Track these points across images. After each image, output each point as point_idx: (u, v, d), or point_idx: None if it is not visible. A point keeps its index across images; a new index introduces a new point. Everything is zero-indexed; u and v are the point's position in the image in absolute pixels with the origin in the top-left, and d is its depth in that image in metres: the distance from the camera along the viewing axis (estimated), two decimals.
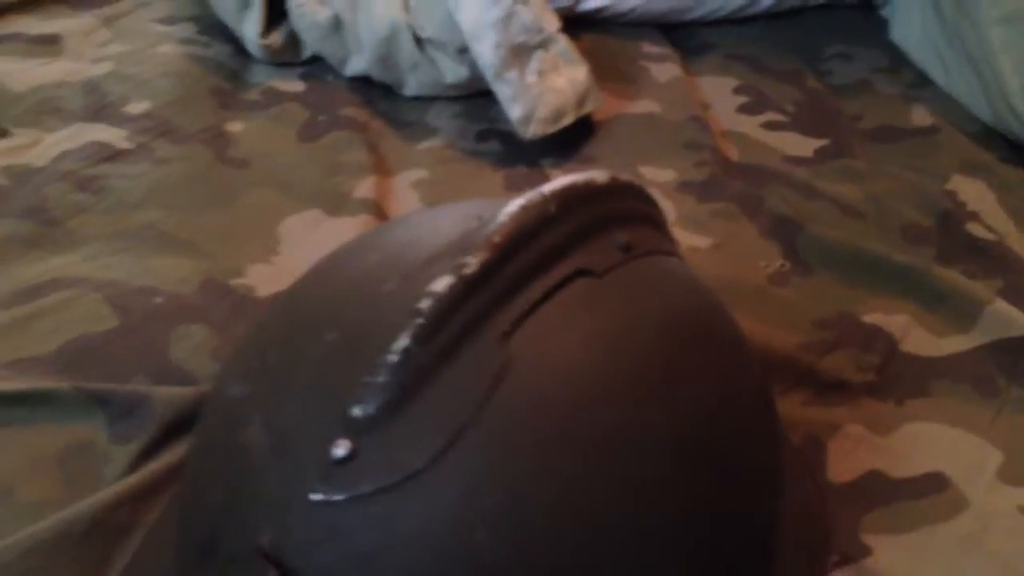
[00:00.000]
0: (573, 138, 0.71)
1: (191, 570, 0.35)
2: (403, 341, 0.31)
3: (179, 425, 0.47)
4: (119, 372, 0.49)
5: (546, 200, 0.34)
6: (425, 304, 0.31)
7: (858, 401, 0.52)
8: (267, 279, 0.57)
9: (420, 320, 0.31)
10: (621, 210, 0.37)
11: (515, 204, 0.34)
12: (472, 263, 0.32)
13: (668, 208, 0.63)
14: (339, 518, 0.31)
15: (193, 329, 0.52)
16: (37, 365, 0.50)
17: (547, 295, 0.33)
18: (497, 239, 0.33)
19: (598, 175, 0.37)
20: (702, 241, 0.63)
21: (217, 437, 0.36)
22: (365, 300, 0.34)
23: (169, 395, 0.48)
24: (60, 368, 0.49)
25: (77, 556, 0.41)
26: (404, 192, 0.65)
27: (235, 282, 0.56)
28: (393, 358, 0.31)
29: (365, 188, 0.64)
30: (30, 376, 0.49)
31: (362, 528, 0.31)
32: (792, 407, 0.51)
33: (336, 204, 0.63)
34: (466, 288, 0.32)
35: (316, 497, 0.31)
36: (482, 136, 0.72)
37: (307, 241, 0.60)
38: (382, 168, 0.68)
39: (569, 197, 0.35)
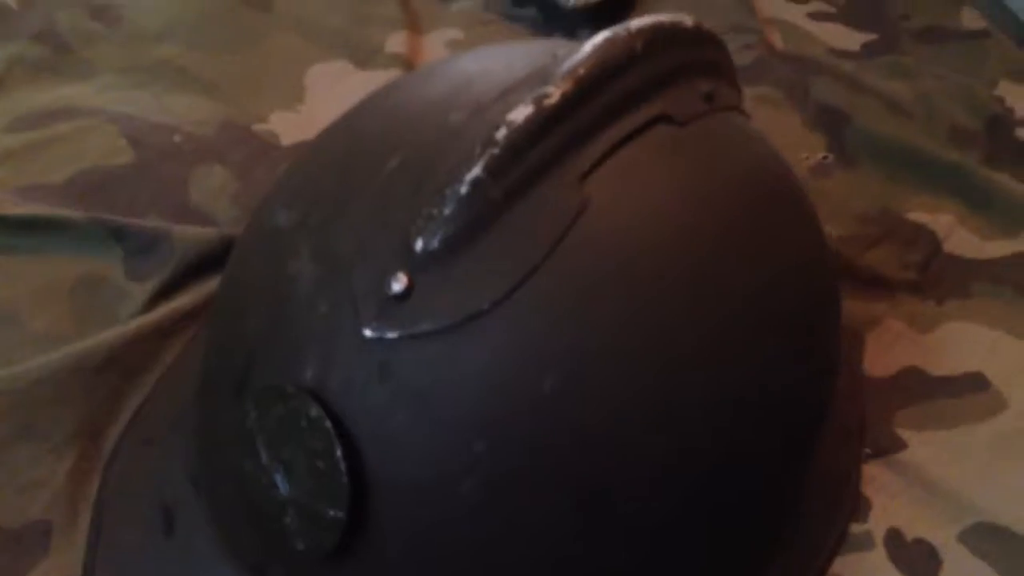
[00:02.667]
0: (615, 12, 0.67)
1: (221, 406, 0.33)
2: (475, 171, 0.28)
3: (200, 266, 0.45)
4: (135, 207, 0.47)
5: (632, 37, 0.32)
6: (501, 134, 0.29)
7: (898, 298, 0.50)
8: (291, 127, 0.54)
9: (495, 150, 0.29)
10: (704, 59, 0.35)
11: (601, 37, 0.31)
12: (554, 94, 0.30)
13: None
14: (392, 356, 0.29)
15: (214, 170, 0.50)
16: (48, 193, 0.47)
17: (628, 137, 0.31)
18: (582, 71, 0.30)
19: (684, 18, 0.34)
20: None
21: (258, 265, 0.33)
22: (432, 128, 0.31)
23: (190, 234, 0.45)
24: (72, 198, 0.47)
25: (90, 389, 0.40)
26: (437, 51, 0.62)
27: (258, 127, 0.53)
28: (462, 189, 0.28)
29: (396, 42, 0.61)
30: (40, 204, 0.46)
31: (416, 369, 0.29)
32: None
33: (366, 56, 0.59)
34: (546, 121, 0.29)
35: (368, 333, 0.29)
36: (519, 0, 0.68)
37: (334, 92, 0.57)
38: (414, 24, 0.64)
39: (655, 37, 0.32)
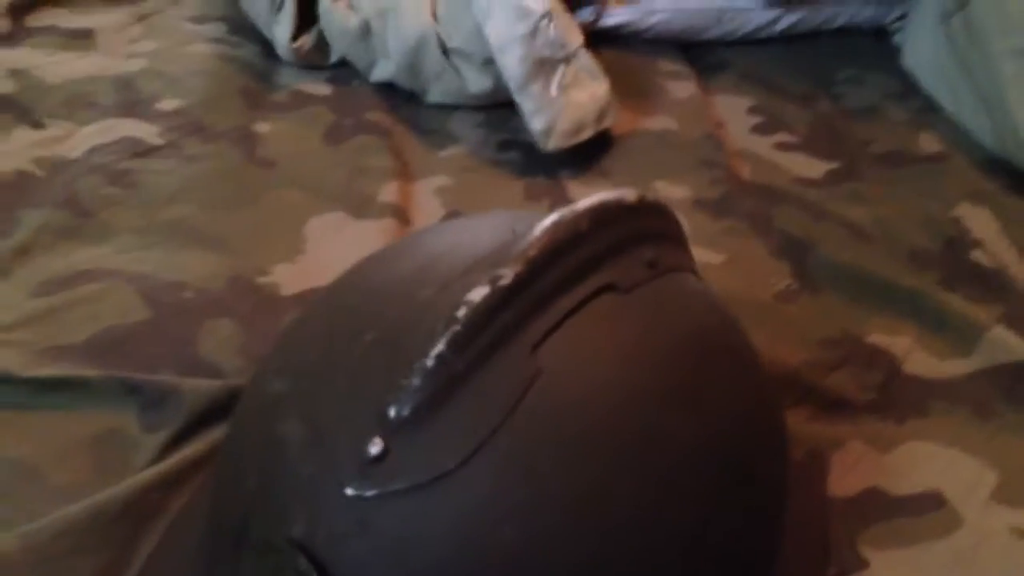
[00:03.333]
0: (591, 151, 0.72)
1: (222, 556, 0.37)
2: (439, 347, 0.33)
3: (207, 416, 0.49)
4: (148, 363, 0.51)
5: (578, 217, 0.36)
6: (461, 312, 0.33)
7: (860, 419, 0.54)
8: (292, 278, 0.59)
9: (456, 328, 0.33)
10: (647, 228, 0.39)
11: (549, 220, 0.36)
12: (507, 275, 0.34)
13: (682, 224, 0.65)
14: (370, 512, 0.33)
15: (221, 324, 0.54)
16: (68, 354, 0.51)
17: (576, 308, 0.35)
18: (532, 253, 0.35)
19: (627, 194, 0.39)
20: (714, 257, 0.64)
21: (254, 428, 0.37)
22: (404, 304, 0.36)
23: (198, 387, 0.49)
24: (91, 357, 0.51)
25: (107, 539, 0.43)
26: (427, 198, 0.67)
27: (261, 280, 0.58)
28: (429, 363, 0.33)
29: (389, 192, 0.66)
30: (62, 364, 0.50)
31: (392, 523, 0.33)
32: (796, 422, 0.53)
33: (360, 206, 0.65)
34: (501, 299, 0.34)
35: (349, 492, 0.33)
36: (503, 146, 0.74)
37: (332, 242, 0.62)
38: (405, 173, 0.70)
39: (600, 215, 0.37)
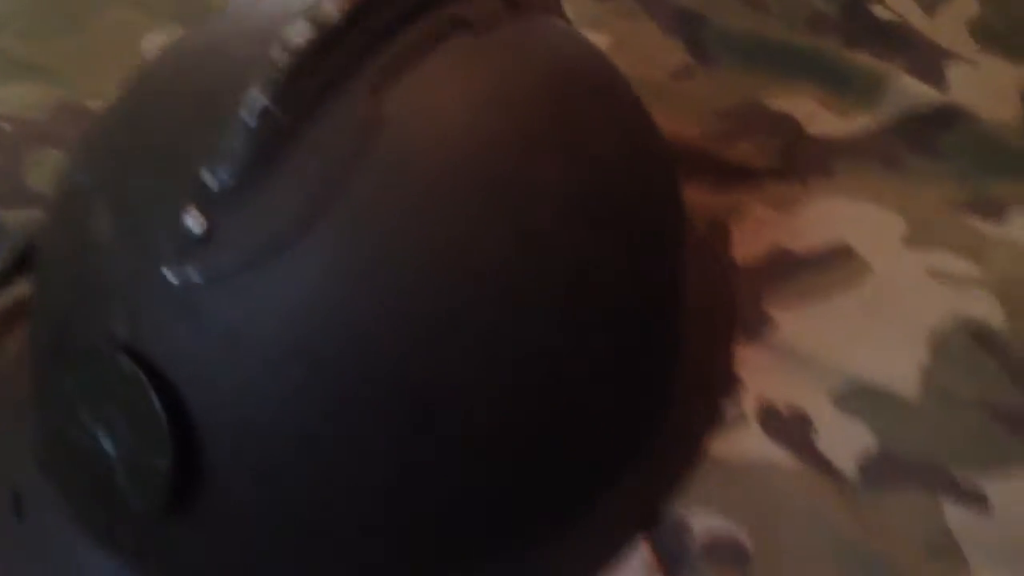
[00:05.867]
0: None
1: (45, 374, 0.32)
2: (257, 98, 0.28)
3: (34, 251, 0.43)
4: None
5: None
6: (282, 58, 0.28)
7: (762, 184, 0.51)
8: None
9: (276, 75, 0.28)
10: None
11: None
12: (331, 10, 0.29)
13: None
14: (199, 301, 0.28)
15: (48, 154, 0.49)
16: None
17: (421, 46, 0.30)
18: None
19: None
20: (601, 40, 0.59)
21: (61, 232, 0.33)
22: (217, 66, 0.31)
23: (25, 220, 0.44)
24: None
25: None
26: None
27: (94, 104, 0.52)
28: (247, 118, 0.28)
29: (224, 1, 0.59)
30: None
31: (225, 311, 0.28)
32: (695, 195, 0.49)
33: (197, 18, 0.58)
34: (328, 36, 0.29)
35: (172, 280, 0.28)
36: None
37: None
38: None
39: None
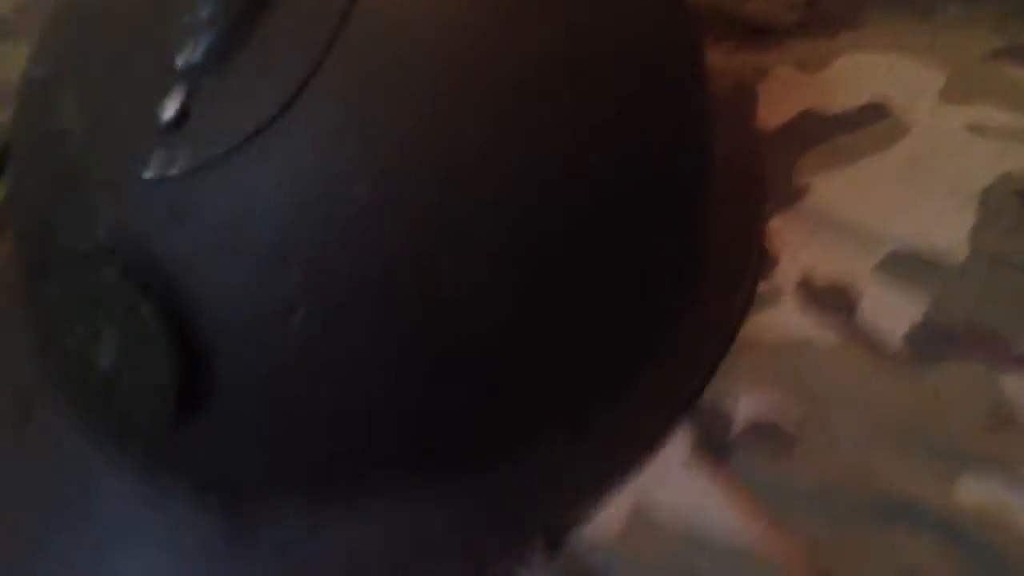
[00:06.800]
0: None
1: (32, 285, 0.30)
2: None
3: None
4: None
5: None
6: None
7: (787, 43, 0.47)
8: None
9: None
10: None
11: None
12: None
13: None
14: (180, 193, 0.25)
15: (13, 48, 0.45)
16: None
17: None
18: None
19: None
20: None
21: (29, 131, 0.29)
22: None
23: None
24: None
25: None
26: None
27: None
28: None
29: None
30: None
31: (208, 201, 0.25)
32: (717, 57, 0.46)
33: None
34: None
35: (149, 174, 0.25)
36: None
37: None
38: None
39: None
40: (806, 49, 0.46)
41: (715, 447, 0.33)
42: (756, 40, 0.47)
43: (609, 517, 0.32)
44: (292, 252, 0.25)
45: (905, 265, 0.38)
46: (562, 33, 0.27)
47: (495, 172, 0.26)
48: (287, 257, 0.25)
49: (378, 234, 0.26)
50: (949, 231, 0.38)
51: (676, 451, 0.33)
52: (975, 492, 0.31)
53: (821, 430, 0.33)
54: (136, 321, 0.26)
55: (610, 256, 0.29)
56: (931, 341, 0.35)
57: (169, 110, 0.25)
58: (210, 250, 0.26)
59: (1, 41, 0.46)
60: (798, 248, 0.38)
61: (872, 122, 0.43)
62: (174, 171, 0.25)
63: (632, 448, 0.33)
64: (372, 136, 0.25)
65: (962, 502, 0.31)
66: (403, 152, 0.25)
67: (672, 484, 0.32)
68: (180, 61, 0.25)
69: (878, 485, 0.32)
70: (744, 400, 0.34)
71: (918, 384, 0.34)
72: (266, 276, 0.25)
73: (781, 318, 0.36)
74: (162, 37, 0.25)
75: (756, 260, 0.38)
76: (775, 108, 0.44)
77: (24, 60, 0.44)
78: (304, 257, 0.25)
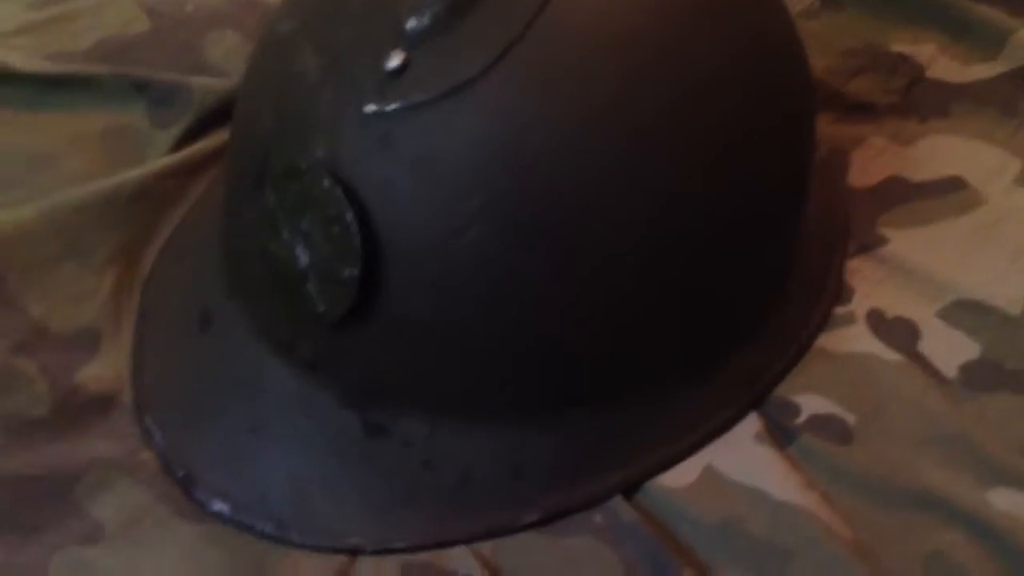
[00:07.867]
0: None
1: (244, 197, 0.36)
2: None
3: (218, 114, 0.48)
4: (154, 68, 0.50)
5: None
6: None
7: (882, 120, 0.53)
8: None
9: None
10: None
11: None
12: None
13: None
14: (392, 127, 0.32)
15: (226, 35, 0.52)
16: (72, 58, 0.50)
17: None
18: None
19: None
20: None
21: (267, 71, 0.37)
22: None
23: (208, 85, 0.48)
24: (95, 61, 0.50)
25: (127, 217, 0.43)
26: None
27: None
28: None
29: None
30: (67, 65, 0.49)
31: (414, 137, 0.32)
32: (820, 125, 0.52)
33: None
34: None
35: (369, 108, 0.32)
36: None
37: None
38: None
39: None
40: (899, 127, 0.52)
41: (782, 429, 0.38)
42: (853, 114, 0.53)
43: (683, 471, 0.37)
44: (476, 182, 0.32)
45: (966, 311, 0.43)
46: (729, 54, 0.34)
47: (665, 141, 0.33)
48: (472, 186, 0.32)
49: (552, 176, 0.32)
50: (1008, 288, 0.43)
51: (747, 427, 0.38)
52: (1006, 500, 0.36)
53: (877, 429, 0.38)
54: (338, 222, 0.32)
55: (737, 240, 0.36)
56: (982, 375, 0.40)
57: (394, 60, 0.32)
58: (407, 174, 0.32)
59: (218, 27, 0.53)
60: (873, 285, 0.44)
61: (951, 192, 0.48)
62: (390, 108, 0.32)
63: (710, 421, 0.38)
64: (558, 96, 0.32)
65: (993, 505, 0.35)
66: (582, 111, 0.32)
67: (741, 451, 0.37)
68: (411, 24, 0.32)
69: (920, 481, 0.36)
70: (812, 396, 0.39)
71: (967, 407, 0.39)
72: (450, 199, 0.32)
73: (852, 337, 0.41)
74: (395, 7, 0.32)
75: (835, 287, 0.43)
76: (866, 171, 0.50)
77: (231, 45, 0.52)
78: (485, 187, 0.32)
